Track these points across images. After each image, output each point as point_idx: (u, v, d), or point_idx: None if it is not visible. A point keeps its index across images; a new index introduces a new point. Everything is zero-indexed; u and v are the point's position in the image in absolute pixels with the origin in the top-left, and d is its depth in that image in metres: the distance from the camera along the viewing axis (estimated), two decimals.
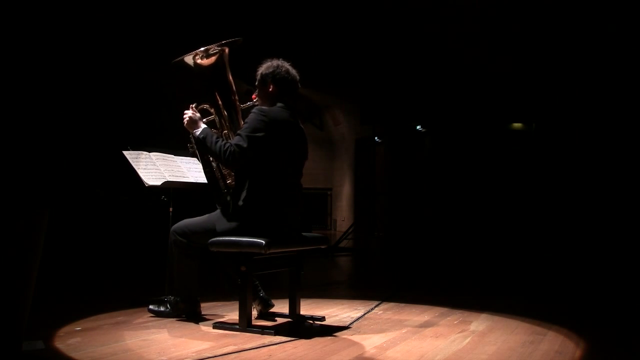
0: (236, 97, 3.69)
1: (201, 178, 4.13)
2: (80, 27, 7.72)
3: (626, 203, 8.05)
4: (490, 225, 9.68)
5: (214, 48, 3.59)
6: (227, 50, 3.64)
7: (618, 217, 8.09)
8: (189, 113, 3.53)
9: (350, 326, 3.54)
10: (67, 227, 7.51)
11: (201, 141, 3.46)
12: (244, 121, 3.49)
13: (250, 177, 3.41)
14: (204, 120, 3.63)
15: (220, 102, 3.65)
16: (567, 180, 8.98)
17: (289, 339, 3.14)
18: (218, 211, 3.51)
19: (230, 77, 3.67)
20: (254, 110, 3.42)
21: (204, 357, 2.78)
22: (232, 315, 3.66)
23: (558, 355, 2.92)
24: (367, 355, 2.89)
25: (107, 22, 7.80)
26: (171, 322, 3.56)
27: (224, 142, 3.37)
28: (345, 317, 3.81)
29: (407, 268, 7.33)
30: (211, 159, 3.55)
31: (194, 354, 2.83)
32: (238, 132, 3.40)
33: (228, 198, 3.53)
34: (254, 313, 3.55)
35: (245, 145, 3.30)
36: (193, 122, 3.50)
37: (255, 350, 2.91)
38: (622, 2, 7.44)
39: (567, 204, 8.89)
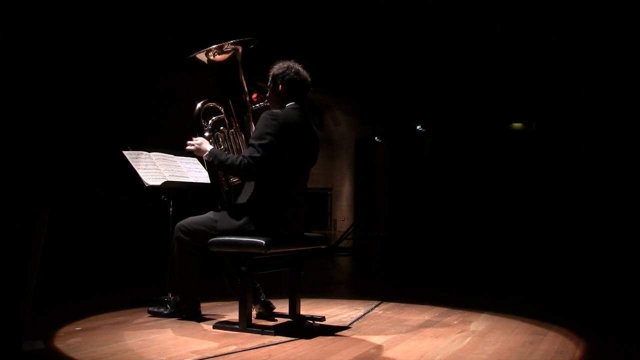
0: (247, 97, 3.69)
1: (201, 178, 4.14)
2: (80, 27, 7.71)
3: (626, 203, 8.06)
4: (491, 225, 9.68)
5: (228, 45, 3.59)
6: (240, 49, 3.63)
7: (618, 217, 8.09)
8: (191, 143, 3.52)
9: (350, 326, 3.54)
10: (67, 227, 7.51)
11: (211, 164, 3.45)
12: (253, 122, 3.49)
13: (257, 178, 3.40)
14: (213, 118, 3.63)
15: (230, 101, 3.64)
16: (567, 180, 8.99)
17: (289, 339, 3.14)
18: (222, 211, 3.51)
19: (242, 77, 3.67)
20: (263, 114, 3.39)
21: (204, 357, 2.78)
22: (232, 315, 3.66)
23: (558, 355, 2.92)
24: (367, 355, 2.89)
25: (108, 22, 7.80)
26: (171, 322, 3.55)
27: (235, 157, 3.34)
28: (345, 317, 3.81)
29: (407, 268, 7.33)
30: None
31: (194, 354, 2.83)
32: (250, 141, 3.36)
33: (230, 197, 3.53)
34: (254, 313, 3.55)
35: (259, 154, 3.28)
36: (198, 150, 3.49)
37: (255, 350, 2.91)
38: (622, 2, 7.44)
39: (567, 204, 8.90)
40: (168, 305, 3.68)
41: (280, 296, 3.94)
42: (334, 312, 3.99)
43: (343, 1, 8.19)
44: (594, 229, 8.31)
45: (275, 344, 3.04)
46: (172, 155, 4.17)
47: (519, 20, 8.22)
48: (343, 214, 14.12)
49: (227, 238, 3.34)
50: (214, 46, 3.58)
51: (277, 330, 3.24)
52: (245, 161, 3.28)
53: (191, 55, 3.61)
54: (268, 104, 3.59)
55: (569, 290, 5.43)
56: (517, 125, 10.14)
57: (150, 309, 3.73)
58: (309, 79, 3.56)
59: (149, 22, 8.02)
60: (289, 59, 3.55)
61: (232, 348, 2.94)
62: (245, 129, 3.63)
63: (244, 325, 3.29)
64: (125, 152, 3.93)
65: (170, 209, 4.09)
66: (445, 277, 6.39)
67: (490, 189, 9.90)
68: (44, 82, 7.78)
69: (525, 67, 9.06)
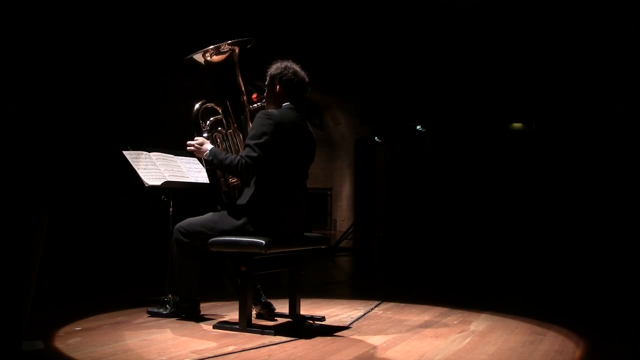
0: (245, 98, 3.69)
1: (201, 178, 4.14)
2: (80, 28, 7.72)
3: (626, 203, 8.06)
4: (491, 225, 9.68)
5: (225, 46, 3.59)
6: (237, 49, 3.63)
7: (618, 217, 8.09)
8: (191, 144, 3.52)
9: (351, 326, 3.54)
10: (67, 227, 7.51)
11: (210, 163, 3.45)
12: (251, 122, 3.49)
13: (255, 178, 3.40)
14: (211, 119, 3.64)
15: (227, 102, 3.65)
16: (567, 180, 8.98)
17: (289, 339, 3.14)
18: (221, 212, 3.51)
19: (240, 77, 3.67)
20: (259, 114, 3.39)
21: (204, 357, 2.77)
22: (232, 315, 3.66)
23: (558, 355, 2.92)
24: (367, 355, 2.89)
25: (108, 22, 7.80)
26: (171, 322, 3.55)
27: (233, 157, 3.35)
28: (345, 317, 3.81)
29: (407, 268, 7.33)
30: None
31: (194, 354, 2.83)
32: (246, 141, 3.37)
33: (229, 198, 3.54)
34: (254, 313, 3.55)
35: (255, 154, 3.28)
36: (198, 150, 3.49)
37: (255, 350, 2.91)
38: (622, 2, 7.44)
39: (567, 204, 8.89)
40: (167, 306, 3.68)
41: (280, 296, 3.94)
42: (334, 312, 3.99)
43: (343, 1, 8.19)
44: (593, 229, 8.31)
45: (275, 344, 3.04)
46: (172, 155, 4.17)
47: (519, 20, 8.22)
48: (343, 214, 14.12)
49: (227, 238, 3.34)
50: (210, 47, 3.58)
51: (277, 330, 3.24)
52: (243, 161, 3.29)
53: (188, 56, 3.61)
54: (264, 104, 3.59)
55: (569, 290, 5.43)
56: (517, 125, 10.14)
57: (150, 309, 3.73)
58: (307, 79, 3.55)
59: (148, 23, 8.02)
60: (287, 59, 3.55)
61: (232, 348, 2.94)
62: (243, 129, 3.63)
63: (244, 325, 3.29)
64: (125, 152, 3.93)
65: (170, 209, 4.09)
66: (445, 277, 6.39)
67: (491, 189, 9.90)
68: (44, 83, 7.78)
69: (525, 67, 9.06)
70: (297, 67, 3.53)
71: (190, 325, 3.48)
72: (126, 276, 5.96)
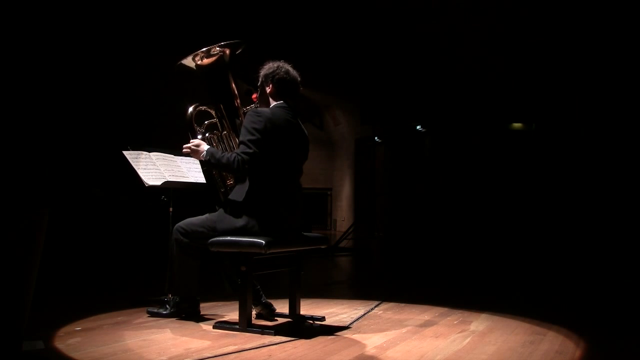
0: (238, 100, 3.69)
1: (201, 178, 4.14)
2: (79, 28, 7.72)
3: (626, 203, 8.05)
4: (491, 225, 9.68)
5: (215, 49, 3.60)
6: (228, 51, 3.64)
7: (618, 217, 8.08)
8: (187, 146, 3.52)
9: (351, 326, 3.54)
10: (67, 227, 7.51)
11: (207, 162, 3.46)
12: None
13: (250, 176, 3.41)
14: (206, 122, 3.64)
15: (221, 104, 3.65)
16: (567, 181, 8.98)
17: (289, 339, 3.14)
18: (219, 211, 3.51)
19: (232, 79, 3.68)
20: (248, 112, 3.42)
21: (204, 357, 2.78)
22: (232, 315, 3.66)
23: (558, 355, 2.92)
24: (367, 355, 2.89)
25: (107, 23, 7.80)
26: (171, 322, 3.55)
27: (229, 155, 3.36)
28: (345, 317, 3.81)
29: (407, 268, 7.33)
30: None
31: (194, 354, 2.83)
32: (240, 139, 3.39)
33: (227, 196, 3.54)
34: (254, 313, 3.55)
35: (251, 150, 3.30)
36: (195, 152, 3.49)
37: (255, 350, 2.91)
38: (622, 2, 7.44)
39: (567, 204, 8.89)
40: (167, 306, 3.68)
41: (280, 296, 3.94)
42: (334, 312, 3.99)
43: (343, 1, 8.20)
44: (593, 229, 8.31)
45: (275, 344, 3.04)
46: (172, 155, 4.17)
47: (519, 20, 8.22)
48: (343, 214, 14.12)
49: (227, 238, 3.34)
50: (200, 50, 3.59)
51: (277, 330, 3.24)
52: (239, 157, 3.30)
53: (178, 63, 3.62)
54: (258, 105, 3.60)
55: (569, 290, 5.43)
56: (517, 125, 10.14)
57: (150, 309, 3.73)
58: (299, 79, 3.58)
59: (147, 23, 8.02)
60: (279, 60, 3.57)
61: (232, 348, 2.94)
62: (237, 131, 3.63)
63: (244, 325, 3.29)
64: (125, 152, 3.94)
65: (170, 209, 4.09)
66: (445, 277, 6.39)
67: (491, 189, 9.90)
68: (43, 83, 7.78)
69: (525, 67, 9.06)
70: (288, 67, 3.56)
71: (190, 325, 3.48)
72: (126, 276, 5.96)
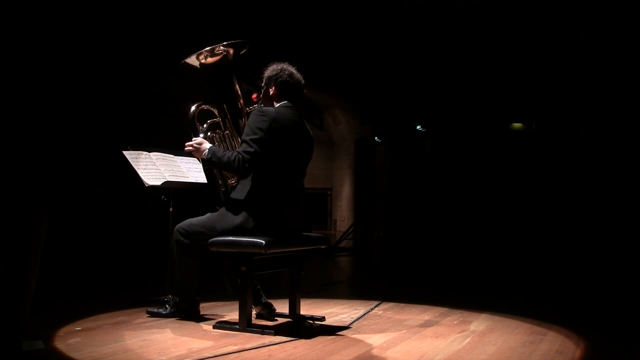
0: (241, 99, 3.69)
1: (201, 178, 4.13)
2: (80, 29, 7.72)
3: (626, 203, 8.05)
4: (490, 225, 9.68)
5: (219, 48, 3.60)
6: (231, 51, 3.64)
7: (618, 217, 8.09)
8: (190, 144, 3.52)
9: (351, 326, 3.54)
10: (67, 227, 7.52)
11: (209, 161, 3.45)
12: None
13: (252, 175, 3.41)
14: (208, 122, 3.64)
15: (224, 104, 3.65)
16: (567, 180, 8.98)
17: (289, 339, 3.14)
18: (220, 211, 3.51)
19: (235, 79, 3.67)
20: (253, 111, 3.42)
21: (204, 357, 2.78)
22: (232, 315, 3.66)
23: (558, 355, 2.92)
24: (367, 355, 2.89)
25: (107, 22, 7.80)
26: (171, 322, 3.55)
27: (231, 153, 3.35)
28: (345, 317, 3.81)
29: (407, 268, 7.33)
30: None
31: (194, 354, 2.83)
32: (242, 138, 3.38)
33: (228, 196, 3.54)
34: (254, 313, 3.55)
35: (252, 149, 3.29)
36: (197, 150, 3.49)
37: (255, 350, 2.91)
38: (622, 2, 7.44)
39: (567, 204, 8.89)
40: (167, 306, 3.68)
41: (280, 296, 3.94)
42: (334, 312, 3.99)
43: (343, 1, 8.19)
44: (593, 229, 8.31)
45: (275, 344, 3.04)
46: (172, 155, 4.17)
47: (519, 20, 8.22)
48: (343, 214, 14.12)
49: (227, 238, 3.34)
50: (204, 49, 3.59)
51: (277, 330, 3.24)
52: (240, 156, 3.29)
53: (182, 61, 3.62)
54: (262, 105, 3.60)
55: (569, 290, 5.43)
56: (517, 125, 10.14)
57: (150, 309, 3.73)
58: (303, 81, 3.58)
59: (148, 23, 8.02)
60: (284, 61, 3.57)
61: (232, 348, 2.94)
62: (239, 130, 3.63)
63: (244, 325, 3.29)
64: (125, 152, 3.94)
65: (170, 209, 4.09)
66: (445, 277, 6.39)
67: (490, 189, 9.90)
68: (44, 83, 7.78)
69: (525, 67, 9.06)
70: (292, 69, 3.55)
71: (190, 325, 3.48)
72: (126, 276, 5.96)
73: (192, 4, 7.85)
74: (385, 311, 4.06)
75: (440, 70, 9.81)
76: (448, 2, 8.09)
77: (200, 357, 2.78)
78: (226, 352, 2.86)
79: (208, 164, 3.53)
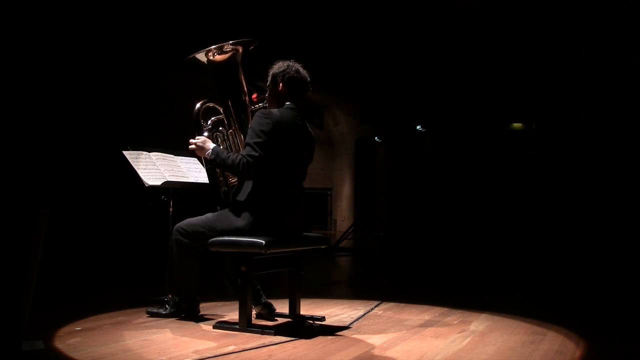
0: (246, 98, 3.69)
1: (201, 178, 4.14)
2: (80, 29, 7.72)
3: (626, 203, 8.05)
4: (490, 225, 9.68)
5: (227, 46, 3.59)
6: (241, 49, 3.64)
7: (618, 217, 8.08)
8: (193, 142, 3.51)
9: (351, 326, 3.54)
10: (67, 227, 7.52)
11: (212, 162, 3.45)
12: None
13: (256, 175, 3.41)
14: (213, 118, 3.64)
15: (229, 102, 3.65)
16: (567, 180, 8.98)
17: (289, 339, 3.14)
18: (220, 211, 3.51)
19: (242, 77, 3.67)
20: (257, 113, 3.41)
21: (204, 357, 2.78)
22: (232, 315, 3.66)
23: (558, 355, 2.92)
24: (367, 355, 2.89)
25: (107, 23, 7.80)
26: (171, 322, 3.55)
27: (235, 156, 3.35)
28: (345, 317, 3.81)
29: (407, 268, 7.33)
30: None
31: (194, 354, 2.83)
32: (246, 140, 3.37)
33: (229, 197, 3.54)
34: (254, 313, 3.55)
35: (256, 153, 3.29)
36: (200, 149, 3.49)
37: (255, 350, 2.91)
38: (622, 2, 7.44)
39: (567, 203, 8.89)
40: (167, 306, 3.68)
41: (280, 296, 3.94)
42: (334, 312, 3.99)
43: (343, 1, 8.19)
44: (593, 229, 8.31)
45: (275, 344, 3.04)
46: (172, 155, 4.17)
47: (519, 20, 8.22)
48: (343, 214, 14.12)
49: (227, 238, 3.34)
50: (213, 46, 3.58)
51: (277, 330, 3.24)
52: (245, 160, 3.29)
53: (191, 56, 3.61)
54: (267, 103, 3.60)
55: (569, 290, 5.43)
56: (517, 125, 10.14)
57: (149, 309, 3.73)
58: (309, 79, 3.58)
59: (149, 23, 8.02)
60: (289, 59, 3.56)
61: (232, 348, 2.94)
62: (244, 130, 3.63)
63: (244, 325, 3.29)
64: (125, 152, 3.94)
65: (170, 209, 4.09)
66: (445, 277, 6.39)
67: (490, 189, 9.90)
68: (44, 83, 7.78)
69: (525, 67, 9.06)
70: (299, 66, 3.56)
71: (190, 325, 3.48)
72: (126, 276, 5.96)
73: (192, 4, 7.86)
74: (385, 311, 4.06)
75: (440, 70, 9.81)
76: (448, 2, 8.10)
77: (200, 357, 2.78)
78: (226, 352, 2.86)
79: (211, 165, 3.53)
